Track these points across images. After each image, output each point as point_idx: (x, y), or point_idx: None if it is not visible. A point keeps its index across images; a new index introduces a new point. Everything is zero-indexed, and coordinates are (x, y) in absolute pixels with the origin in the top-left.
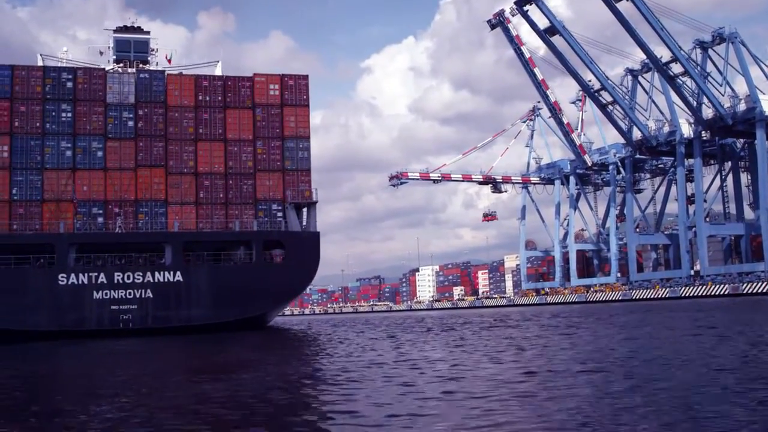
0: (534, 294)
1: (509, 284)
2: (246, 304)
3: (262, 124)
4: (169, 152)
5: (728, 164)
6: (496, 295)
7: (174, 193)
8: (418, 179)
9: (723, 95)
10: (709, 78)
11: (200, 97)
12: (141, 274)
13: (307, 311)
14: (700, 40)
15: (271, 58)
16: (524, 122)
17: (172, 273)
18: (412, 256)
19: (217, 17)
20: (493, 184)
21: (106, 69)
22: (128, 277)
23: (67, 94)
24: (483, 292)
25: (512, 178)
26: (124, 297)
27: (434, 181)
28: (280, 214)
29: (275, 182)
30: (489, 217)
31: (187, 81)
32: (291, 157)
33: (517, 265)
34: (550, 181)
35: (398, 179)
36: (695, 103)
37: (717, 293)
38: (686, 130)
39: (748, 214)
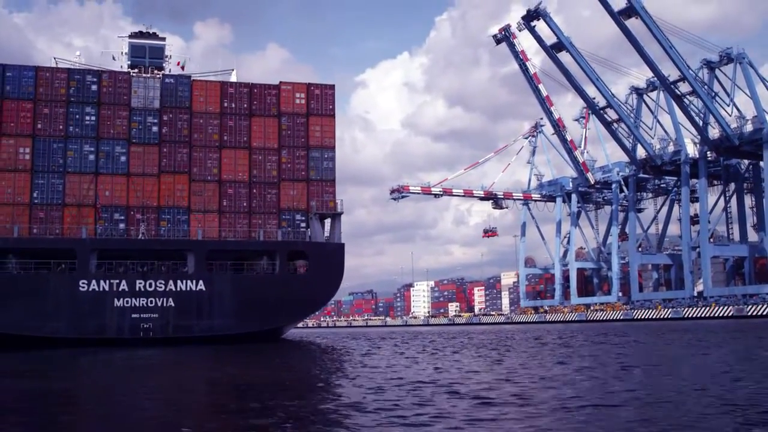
0: (532, 312)
1: (505, 301)
2: (269, 315)
3: (287, 133)
4: (193, 159)
5: (732, 185)
6: (493, 312)
7: (197, 200)
8: (419, 193)
9: (730, 115)
10: (716, 98)
11: (225, 104)
12: (163, 282)
13: (300, 324)
14: (708, 60)
15: (266, 69)
16: (526, 138)
17: (194, 282)
18: (404, 271)
19: (213, 28)
20: (494, 200)
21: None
22: (150, 285)
23: (91, 97)
24: (480, 309)
25: (513, 194)
26: (145, 305)
27: (435, 195)
28: (303, 224)
29: (299, 192)
30: (490, 233)
31: (213, 87)
32: (316, 167)
33: (514, 282)
34: (551, 198)
35: (399, 193)
36: (701, 122)
37: (721, 315)
38: (691, 149)
39: (752, 236)
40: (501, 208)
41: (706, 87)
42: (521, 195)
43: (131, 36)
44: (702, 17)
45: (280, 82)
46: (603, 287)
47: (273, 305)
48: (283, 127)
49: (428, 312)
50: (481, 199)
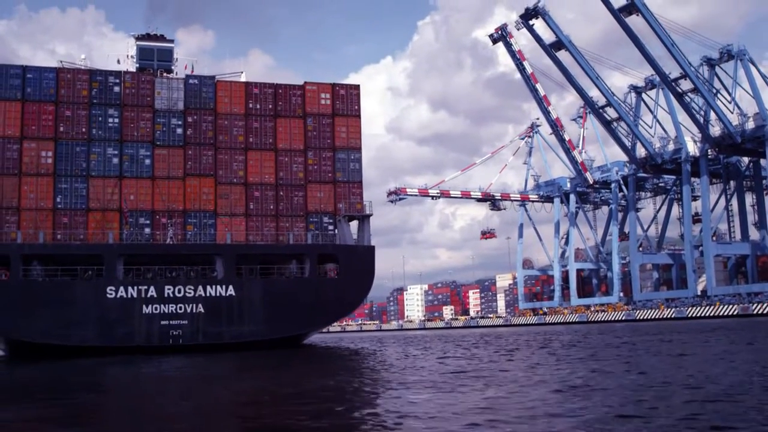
0: (531, 314)
1: (501, 304)
2: (299, 320)
3: (313, 134)
4: (219, 161)
5: (732, 183)
6: (491, 315)
7: (223, 203)
8: (416, 195)
9: (732, 113)
10: (718, 95)
11: (250, 105)
12: (192, 287)
13: None
14: (708, 57)
15: (249, 76)
16: (522, 139)
17: (224, 287)
18: (394, 276)
19: (196, 35)
20: (492, 201)
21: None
22: (179, 291)
23: (114, 98)
24: (475, 312)
25: (511, 195)
26: (174, 311)
27: (432, 197)
28: (331, 226)
29: (326, 194)
30: (488, 234)
31: (237, 88)
32: (342, 169)
33: (509, 284)
34: (548, 199)
35: (396, 195)
36: (702, 120)
37: (726, 314)
38: (691, 148)
39: (753, 233)
40: (498, 209)
41: (707, 84)
42: (518, 196)
43: (138, 38)
44: (683, 19)
45: (305, 83)
46: (601, 288)
47: (304, 310)
48: (309, 128)
49: (424, 315)
50: (479, 200)
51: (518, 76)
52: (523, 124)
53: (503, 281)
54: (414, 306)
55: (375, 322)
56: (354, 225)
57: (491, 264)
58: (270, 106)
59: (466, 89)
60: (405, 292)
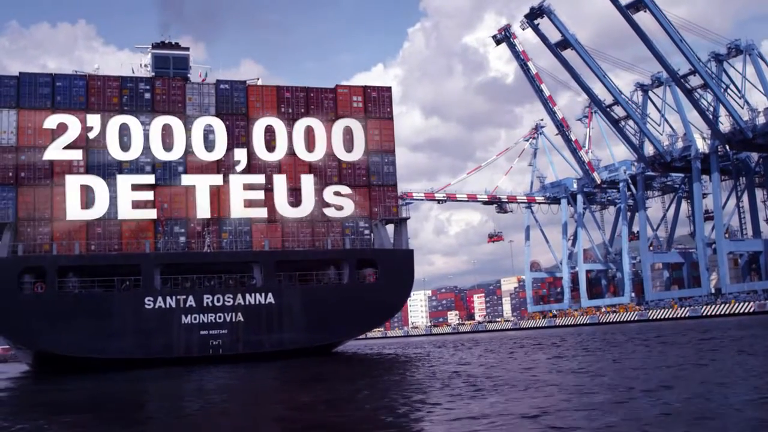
0: (540, 316)
1: (507, 307)
2: (339, 326)
3: (346, 138)
4: (252, 167)
5: (742, 180)
6: (499, 319)
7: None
8: (423, 199)
9: (742, 108)
10: (727, 91)
11: (282, 109)
12: (231, 296)
13: None
14: (716, 53)
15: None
16: (527, 141)
17: (263, 295)
18: None
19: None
20: (498, 204)
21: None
22: (218, 300)
23: (145, 105)
24: (482, 316)
25: (517, 197)
26: (213, 321)
27: (438, 201)
28: (367, 231)
29: (361, 198)
30: (495, 237)
31: (269, 92)
32: (377, 172)
33: (515, 287)
34: (555, 200)
35: (403, 200)
36: (712, 116)
37: (742, 311)
38: (700, 145)
39: (764, 229)
40: (505, 212)
41: (716, 79)
42: (525, 198)
43: (154, 46)
44: (674, 20)
45: (336, 86)
46: (610, 289)
47: (344, 316)
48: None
49: (429, 321)
50: (485, 203)
51: (509, 80)
52: (515, 128)
53: (508, 285)
54: (418, 312)
55: (380, 329)
56: (390, 228)
57: (488, 269)
58: (302, 110)
59: (458, 95)
60: (409, 299)
